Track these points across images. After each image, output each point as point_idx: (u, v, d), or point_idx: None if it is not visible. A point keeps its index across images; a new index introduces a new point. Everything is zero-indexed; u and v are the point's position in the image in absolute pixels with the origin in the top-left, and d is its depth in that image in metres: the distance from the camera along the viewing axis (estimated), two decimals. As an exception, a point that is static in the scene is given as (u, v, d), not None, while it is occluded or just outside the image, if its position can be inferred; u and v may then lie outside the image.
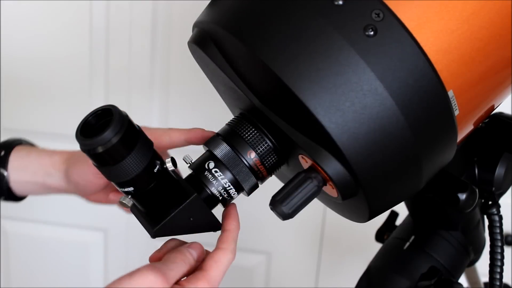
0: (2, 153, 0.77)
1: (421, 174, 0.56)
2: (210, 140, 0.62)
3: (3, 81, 1.46)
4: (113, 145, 0.53)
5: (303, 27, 0.52)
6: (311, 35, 0.52)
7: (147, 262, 0.59)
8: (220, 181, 0.61)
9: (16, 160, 0.76)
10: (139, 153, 0.55)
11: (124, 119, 0.54)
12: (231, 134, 0.61)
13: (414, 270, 0.69)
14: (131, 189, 0.56)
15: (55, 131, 1.44)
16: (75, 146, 0.58)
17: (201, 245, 0.59)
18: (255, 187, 0.63)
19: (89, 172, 0.73)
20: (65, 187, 0.78)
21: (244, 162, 0.60)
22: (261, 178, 0.62)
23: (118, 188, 0.58)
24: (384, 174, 0.54)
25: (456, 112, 0.55)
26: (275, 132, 0.59)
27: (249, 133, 0.60)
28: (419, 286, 0.67)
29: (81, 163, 0.74)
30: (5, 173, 0.76)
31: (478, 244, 0.76)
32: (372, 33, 0.52)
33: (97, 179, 0.74)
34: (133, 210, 0.61)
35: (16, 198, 0.79)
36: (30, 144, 0.82)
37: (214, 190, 0.61)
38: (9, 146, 0.78)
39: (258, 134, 0.60)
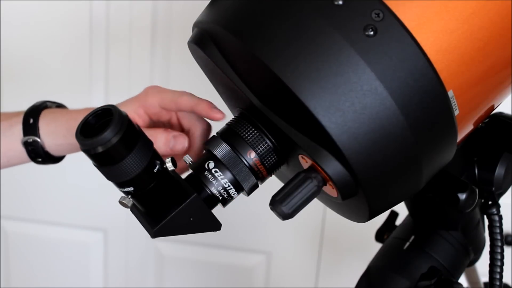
0: (31, 120, 0.78)
1: (421, 174, 0.56)
2: (210, 140, 0.62)
3: (3, 81, 1.46)
4: (113, 145, 0.53)
5: (303, 27, 0.52)
6: (311, 35, 0.52)
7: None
8: (220, 181, 0.61)
9: (44, 126, 0.77)
10: (139, 153, 0.55)
11: (124, 119, 0.54)
12: (231, 134, 0.61)
13: (414, 270, 0.69)
14: (131, 189, 0.56)
15: (55, 131, 1.44)
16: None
17: None
18: (255, 187, 0.62)
19: None
20: None
21: (244, 162, 0.60)
22: (261, 178, 0.62)
23: (118, 188, 0.58)
24: (384, 174, 0.54)
25: (456, 112, 0.55)
26: (275, 132, 0.59)
27: (249, 133, 0.60)
28: (419, 286, 0.67)
29: None
30: (39, 140, 0.77)
31: (478, 244, 0.76)
32: (372, 33, 0.52)
33: None
34: (133, 210, 0.61)
35: (54, 159, 0.81)
36: (56, 105, 0.83)
37: (214, 190, 0.61)
38: (36, 112, 0.79)
39: (258, 134, 0.60)
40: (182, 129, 0.73)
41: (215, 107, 0.68)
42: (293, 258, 1.53)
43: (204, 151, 0.63)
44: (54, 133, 0.78)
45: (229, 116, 0.68)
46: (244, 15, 0.56)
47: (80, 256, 1.61)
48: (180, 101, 0.69)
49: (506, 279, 0.75)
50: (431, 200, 0.66)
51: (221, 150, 0.61)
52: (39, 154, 0.79)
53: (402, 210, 0.77)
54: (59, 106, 0.83)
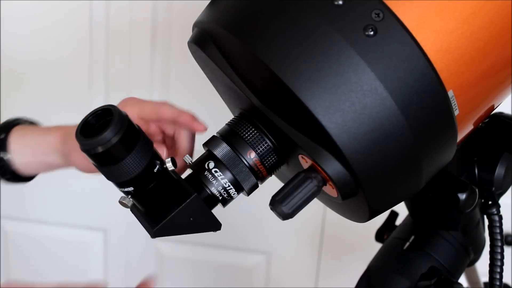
0: (2, 135, 0.76)
1: (421, 174, 0.56)
2: (210, 140, 0.62)
3: (3, 81, 1.46)
4: (113, 145, 0.53)
5: (303, 27, 0.52)
6: (311, 35, 0.52)
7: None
8: (220, 181, 0.61)
9: (15, 142, 0.76)
10: (139, 153, 0.55)
11: (124, 119, 0.54)
12: (231, 134, 0.61)
13: (414, 270, 0.69)
14: (131, 189, 0.56)
15: (55, 131, 1.44)
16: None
17: None
18: (255, 187, 0.62)
19: (90, 163, 0.71)
20: (65, 165, 0.77)
21: (244, 162, 0.60)
22: (261, 178, 0.62)
23: (118, 188, 0.58)
24: (384, 174, 0.54)
25: (456, 112, 0.55)
26: (275, 132, 0.59)
27: (249, 133, 0.60)
28: (419, 286, 0.67)
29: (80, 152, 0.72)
30: (6, 156, 0.75)
31: (478, 244, 0.76)
32: (372, 33, 0.52)
33: None
34: (133, 210, 0.61)
35: (24, 179, 0.79)
36: (29, 122, 0.82)
37: (214, 190, 0.61)
38: (8, 128, 0.77)
39: (258, 134, 0.60)
40: (164, 136, 0.72)
41: (197, 119, 0.68)
42: (293, 258, 1.53)
43: (204, 151, 0.63)
44: (23, 150, 0.76)
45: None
46: (244, 15, 0.56)
47: (80, 256, 1.61)
48: (161, 110, 0.69)
49: (506, 279, 0.75)
50: (431, 200, 0.66)
51: (221, 150, 0.61)
52: (7, 172, 0.76)
53: (402, 210, 0.77)
54: (32, 123, 0.81)
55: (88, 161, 0.69)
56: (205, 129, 0.67)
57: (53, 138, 0.75)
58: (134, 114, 0.70)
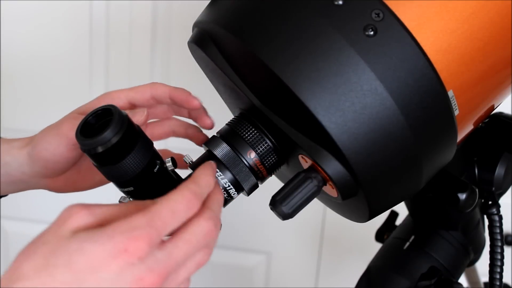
0: None
1: (421, 174, 0.56)
2: (210, 140, 0.62)
3: (3, 81, 1.46)
4: (113, 145, 0.53)
5: (303, 27, 0.52)
6: (311, 35, 0.52)
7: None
8: (220, 181, 0.61)
9: None
10: (139, 153, 0.55)
11: (124, 119, 0.54)
12: (231, 134, 0.61)
13: (414, 270, 0.69)
14: (131, 189, 0.57)
15: (55, 131, 1.44)
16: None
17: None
18: (255, 187, 0.62)
19: (60, 144, 0.65)
20: (28, 173, 0.72)
21: (244, 162, 0.60)
22: (261, 178, 0.62)
23: (118, 188, 0.58)
24: (384, 174, 0.54)
25: (456, 112, 0.55)
26: (275, 132, 0.59)
27: (249, 133, 0.60)
28: (419, 286, 0.67)
29: (52, 135, 0.66)
30: None
31: (478, 244, 0.76)
32: (372, 33, 0.52)
33: (70, 152, 0.66)
34: (133, 210, 0.61)
35: None
36: None
37: (214, 190, 0.61)
38: None
39: (258, 134, 0.60)
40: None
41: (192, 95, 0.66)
42: (293, 258, 1.53)
43: (204, 151, 0.63)
44: None
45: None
46: (244, 15, 0.56)
47: (80, 256, 1.61)
48: (154, 87, 0.66)
49: (506, 279, 0.75)
50: (431, 200, 0.66)
51: (221, 150, 0.61)
52: None
53: (402, 210, 0.77)
54: None
55: (60, 151, 0.66)
56: (199, 104, 0.66)
57: (18, 143, 0.70)
58: (124, 106, 0.66)
